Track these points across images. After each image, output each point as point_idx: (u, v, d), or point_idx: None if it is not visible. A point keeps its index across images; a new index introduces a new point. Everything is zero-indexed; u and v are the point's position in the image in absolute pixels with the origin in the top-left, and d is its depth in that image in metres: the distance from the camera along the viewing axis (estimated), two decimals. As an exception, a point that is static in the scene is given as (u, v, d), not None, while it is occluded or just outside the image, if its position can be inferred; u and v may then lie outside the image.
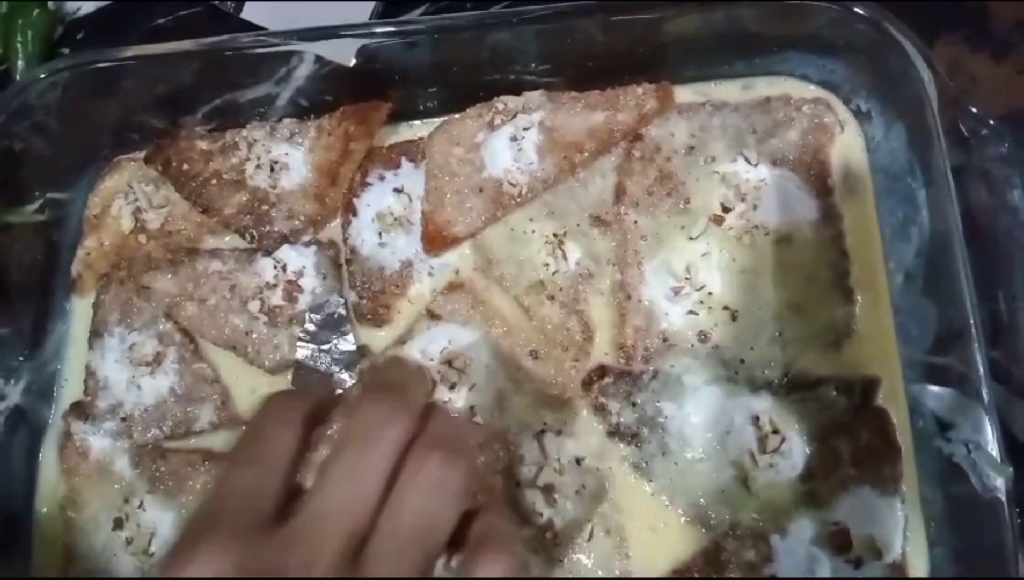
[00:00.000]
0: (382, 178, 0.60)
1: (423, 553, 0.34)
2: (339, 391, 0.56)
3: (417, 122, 0.62)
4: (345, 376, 0.56)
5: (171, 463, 0.56)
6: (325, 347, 0.57)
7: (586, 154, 0.58)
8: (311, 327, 0.57)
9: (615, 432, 0.55)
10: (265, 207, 0.60)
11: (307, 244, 0.60)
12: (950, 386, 0.51)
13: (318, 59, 0.59)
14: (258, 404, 0.38)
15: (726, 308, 0.56)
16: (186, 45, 0.59)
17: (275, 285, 0.58)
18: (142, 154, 0.63)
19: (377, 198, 0.60)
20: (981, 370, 0.49)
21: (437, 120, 0.61)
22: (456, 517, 0.35)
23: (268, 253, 0.59)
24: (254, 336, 0.58)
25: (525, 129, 0.59)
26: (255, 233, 0.60)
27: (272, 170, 0.61)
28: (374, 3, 0.66)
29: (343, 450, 0.35)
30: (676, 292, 0.56)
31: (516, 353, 0.56)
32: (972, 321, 0.50)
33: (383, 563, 0.33)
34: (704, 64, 0.60)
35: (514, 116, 0.59)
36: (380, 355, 0.57)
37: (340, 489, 0.34)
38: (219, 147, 0.62)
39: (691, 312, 0.56)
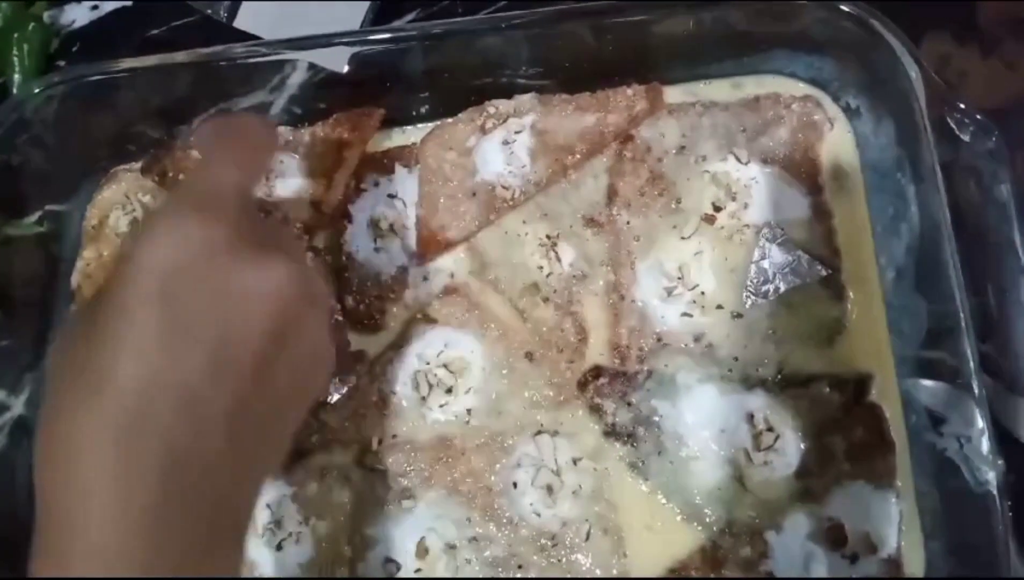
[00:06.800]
0: (376, 184, 0.61)
1: None
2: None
3: (410, 127, 0.63)
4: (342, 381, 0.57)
5: (173, 470, 0.57)
6: (322, 353, 0.57)
7: (577, 156, 0.59)
8: (308, 333, 0.57)
9: (611, 432, 0.55)
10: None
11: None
12: (942, 380, 0.51)
13: (311, 67, 0.59)
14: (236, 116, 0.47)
15: (719, 307, 0.56)
16: (180, 56, 0.59)
17: (272, 292, 0.59)
18: (139, 165, 0.63)
19: (372, 204, 0.60)
20: (972, 364, 0.49)
21: (430, 125, 0.62)
22: None
23: (265, 261, 0.60)
24: (252, 343, 0.58)
25: (517, 132, 0.59)
26: (251, 241, 0.60)
27: (267, 178, 0.61)
28: (365, 10, 0.66)
29: None
30: (669, 292, 0.56)
31: (512, 355, 0.57)
32: (962, 315, 0.50)
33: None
34: (693, 64, 0.60)
35: (505, 120, 0.60)
36: (378, 360, 0.58)
37: None
38: (215, 156, 0.62)
39: (685, 313, 0.56)
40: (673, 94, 0.60)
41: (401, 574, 0.53)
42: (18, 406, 0.59)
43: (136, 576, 0.33)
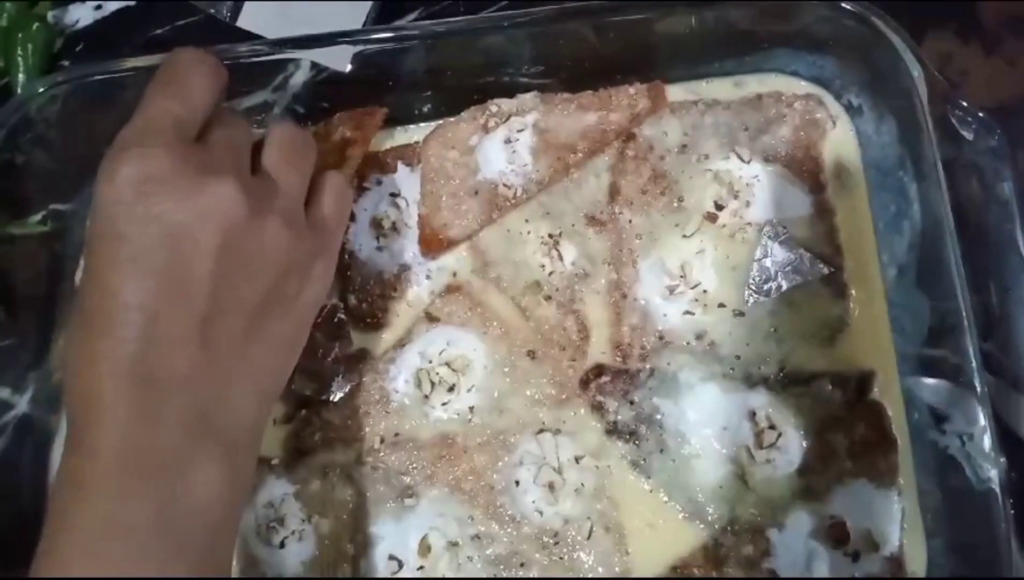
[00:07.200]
0: (379, 183, 0.61)
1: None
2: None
3: (412, 126, 0.62)
4: (345, 380, 0.57)
5: (176, 468, 0.57)
6: (324, 351, 0.57)
7: (580, 155, 0.59)
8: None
9: (613, 430, 0.55)
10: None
11: (306, 250, 0.60)
12: (944, 378, 0.51)
13: (314, 66, 0.59)
14: (168, 55, 0.47)
15: (721, 305, 0.56)
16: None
17: (275, 291, 0.59)
18: (142, 164, 0.64)
19: (374, 203, 0.60)
20: (974, 362, 0.49)
21: (432, 124, 0.62)
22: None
23: (268, 259, 0.60)
24: (255, 342, 0.58)
25: (519, 131, 0.59)
26: (254, 240, 0.60)
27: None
28: (368, 10, 0.66)
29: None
30: (671, 290, 0.56)
31: (514, 354, 0.57)
32: (964, 313, 0.50)
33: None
34: (695, 63, 0.60)
35: (508, 118, 0.60)
36: (380, 358, 0.58)
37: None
38: (217, 155, 0.62)
39: (687, 312, 0.56)
40: (675, 92, 0.60)
41: (403, 572, 0.53)
42: (22, 405, 0.59)
43: (129, 467, 0.40)
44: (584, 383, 0.56)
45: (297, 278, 0.47)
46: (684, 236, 0.57)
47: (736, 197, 0.57)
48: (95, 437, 0.40)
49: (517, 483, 0.54)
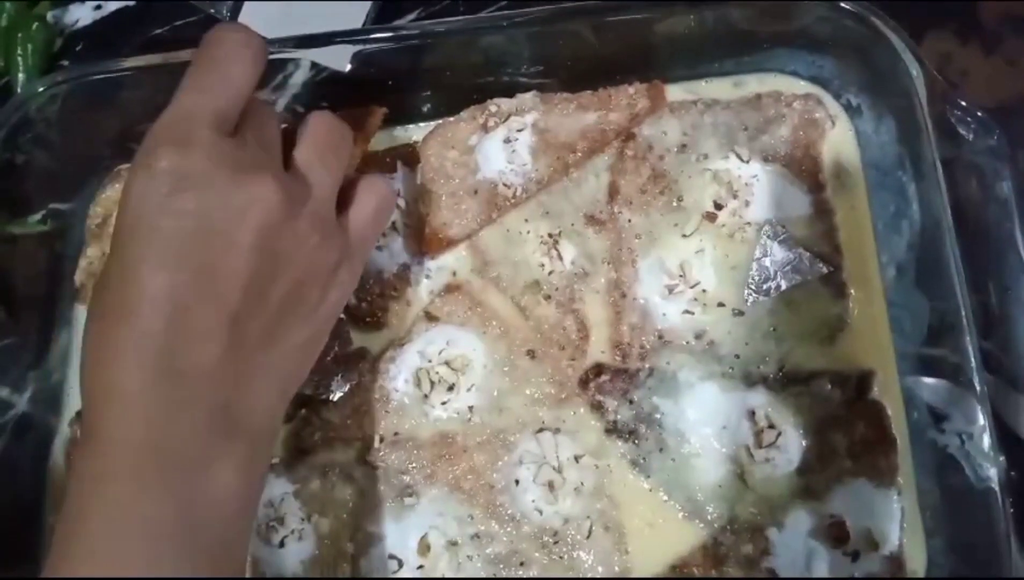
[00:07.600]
0: (378, 182, 0.61)
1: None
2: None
3: (412, 126, 0.63)
4: (344, 379, 0.57)
5: (176, 468, 0.57)
6: (324, 351, 0.57)
7: (579, 154, 0.59)
8: (311, 331, 0.58)
9: (612, 429, 0.55)
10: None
11: (306, 249, 0.60)
12: (944, 378, 0.51)
13: (314, 66, 0.60)
14: (210, 33, 0.45)
15: (721, 304, 0.56)
16: (184, 55, 0.59)
17: (275, 290, 0.59)
18: (142, 164, 0.64)
19: (374, 202, 0.60)
20: (973, 361, 0.49)
21: (431, 123, 0.62)
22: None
23: (267, 259, 0.60)
24: (255, 341, 0.58)
25: (518, 131, 0.59)
26: (254, 239, 0.60)
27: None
28: (367, 10, 0.66)
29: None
30: (670, 289, 0.56)
31: (513, 353, 0.57)
32: (964, 312, 0.50)
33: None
34: (695, 63, 0.60)
35: (507, 118, 0.60)
36: (380, 358, 0.58)
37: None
38: (217, 155, 0.62)
39: (686, 311, 0.56)
40: (675, 92, 0.60)
41: (403, 571, 0.53)
42: (22, 404, 0.59)
43: (150, 462, 0.39)
44: (584, 382, 0.56)
45: (321, 282, 0.47)
46: (683, 235, 0.57)
47: (735, 197, 0.57)
48: (115, 428, 0.39)
49: (517, 482, 0.54)
